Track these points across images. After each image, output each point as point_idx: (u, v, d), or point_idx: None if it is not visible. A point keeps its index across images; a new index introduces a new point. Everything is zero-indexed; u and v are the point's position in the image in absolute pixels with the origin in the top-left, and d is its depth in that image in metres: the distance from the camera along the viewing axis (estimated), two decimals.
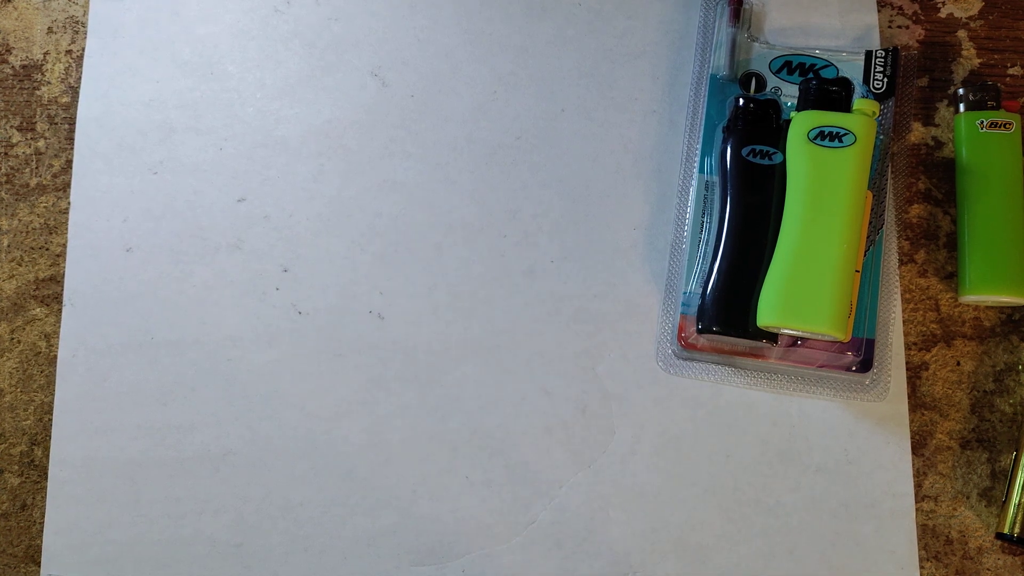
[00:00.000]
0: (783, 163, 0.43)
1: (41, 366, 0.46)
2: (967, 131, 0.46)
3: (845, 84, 0.44)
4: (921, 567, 0.43)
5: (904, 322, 0.45)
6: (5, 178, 0.48)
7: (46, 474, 0.45)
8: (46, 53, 0.49)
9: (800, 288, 0.41)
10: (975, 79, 0.48)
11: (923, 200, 0.47)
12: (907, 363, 0.45)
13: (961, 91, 0.46)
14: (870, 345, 0.43)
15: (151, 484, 0.44)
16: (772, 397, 0.45)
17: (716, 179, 0.45)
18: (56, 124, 0.48)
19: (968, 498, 0.44)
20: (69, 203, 0.47)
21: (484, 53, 0.49)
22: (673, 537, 0.43)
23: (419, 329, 0.46)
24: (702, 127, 0.46)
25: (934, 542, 0.43)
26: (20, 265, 0.47)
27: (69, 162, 0.48)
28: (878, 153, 0.44)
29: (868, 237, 0.44)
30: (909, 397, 0.45)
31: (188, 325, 0.46)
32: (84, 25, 0.50)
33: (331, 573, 0.43)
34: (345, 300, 0.46)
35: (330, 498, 0.44)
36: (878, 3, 0.49)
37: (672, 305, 0.45)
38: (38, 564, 0.44)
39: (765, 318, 0.41)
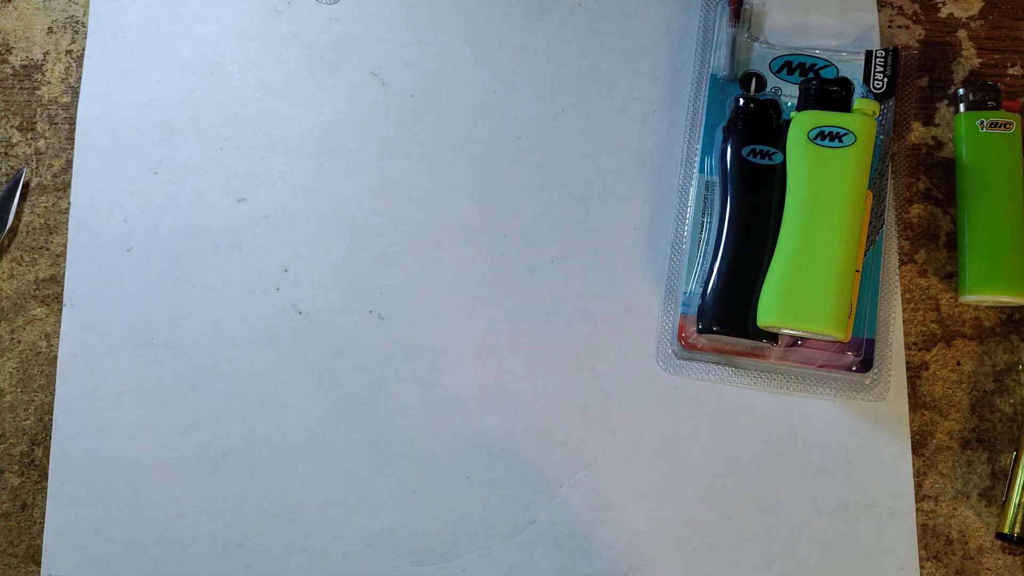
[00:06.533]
0: (783, 163, 0.43)
1: (41, 366, 0.46)
2: (967, 131, 0.46)
3: (845, 84, 0.44)
4: (921, 567, 0.43)
5: (904, 322, 0.45)
6: (5, 178, 0.48)
7: (46, 474, 0.45)
8: (46, 53, 0.49)
9: (800, 288, 0.41)
10: (975, 79, 0.48)
11: (923, 200, 0.47)
12: (907, 363, 0.45)
13: (961, 91, 0.46)
14: (870, 345, 0.43)
15: (151, 484, 0.44)
16: (772, 397, 0.45)
17: (716, 179, 0.45)
18: (56, 124, 0.48)
19: (968, 498, 0.44)
20: (69, 203, 0.47)
21: (484, 53, 0.49)
22: (673, 537, 0.43)
23: (419, 329, 0.46)
24: (702, 127, 0.46)
25: (934, 542, 0.43)
26: (20, 265, 0.47)
27: (69, 162, 0.48)
28: (878, 153, 0.44)
29: (868, 237, 0.44)
30: (909, 397, 0.45)
31: (188, 325, 0.46)
32: (84, 25, 0.50)
33: (331, 573, 0.43)
34: (345, 300, 0.46)
35: (330, 498, 0.44)
36: (878, 3, 0.49)
37: (672, 305, 0.45)
38: (38, 564, 0.44)
39: (765, 318, 0.41)
